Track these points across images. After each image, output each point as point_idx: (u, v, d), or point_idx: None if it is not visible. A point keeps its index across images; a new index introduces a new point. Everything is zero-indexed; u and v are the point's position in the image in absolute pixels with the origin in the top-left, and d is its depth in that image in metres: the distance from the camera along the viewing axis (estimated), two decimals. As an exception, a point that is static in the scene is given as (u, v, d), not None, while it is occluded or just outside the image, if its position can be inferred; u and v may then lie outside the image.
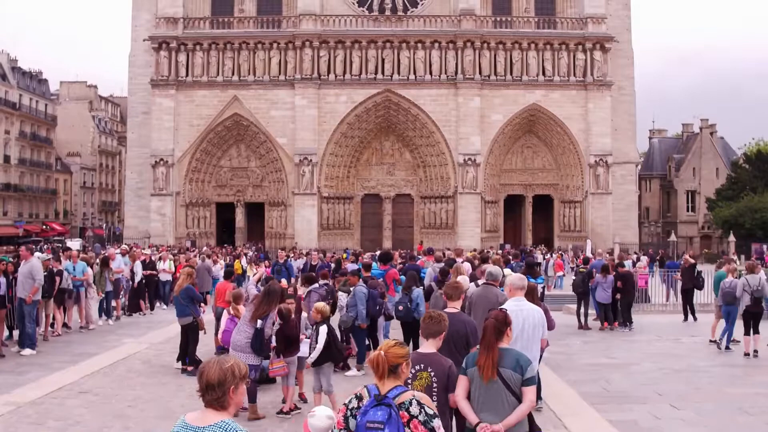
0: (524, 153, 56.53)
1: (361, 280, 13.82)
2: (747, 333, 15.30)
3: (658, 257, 43.15)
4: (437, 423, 4.48)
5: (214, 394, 3.78)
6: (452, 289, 8.03)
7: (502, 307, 7.01)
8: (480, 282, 10.76)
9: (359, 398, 4.59)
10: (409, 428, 4.39)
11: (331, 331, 10.03)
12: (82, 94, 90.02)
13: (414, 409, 4.44)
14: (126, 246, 29.82)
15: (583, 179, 54.49)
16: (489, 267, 10.63)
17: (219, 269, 25.49)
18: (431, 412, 4.48)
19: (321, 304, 10.37)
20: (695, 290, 22.05)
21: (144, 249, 33.97)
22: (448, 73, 53.59)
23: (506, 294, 8.32)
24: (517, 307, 7.42)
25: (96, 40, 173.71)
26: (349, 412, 4.57)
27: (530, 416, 5.98)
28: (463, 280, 10.37)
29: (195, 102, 53.81)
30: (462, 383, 5.74)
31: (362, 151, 56.02)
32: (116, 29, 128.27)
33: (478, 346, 5.97)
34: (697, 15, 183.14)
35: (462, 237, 51.71)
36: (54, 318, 17.73)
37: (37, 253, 18.99)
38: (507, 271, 12.25)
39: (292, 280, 22.06)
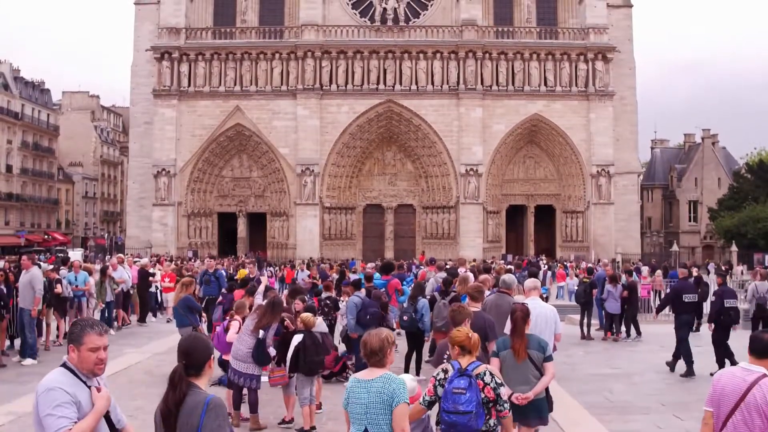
0: (526, 163, 56.53)
1: (364, 290, 13.79)
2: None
3: (660, 268, 42.92)
4: (503, 390, 5.65)
5: (376, 358, 5.15)
6: (476, 291, 9.40)
7: (518, 301, 8.37)
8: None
9: (445, 371, 5.68)
10: (484, 393, 5.53)
11: (304, 342, 9.71)
12: (84, 104, 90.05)
13: (487, 378, 5.59)
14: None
15: (585, 189, 54.46)
16: (504, 276, 11.28)
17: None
18: (499, 381, 5.67)
19: (306, 315, 10.24)
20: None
21: (142, 258, 33.85)
22: (450, 83, 53.66)
23: (524, 295, 9.51)
24: (532, 305, 8.28)
25: (98, 50, 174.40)
26: (437, 382, 5.66)
27: (547, 388, 7.39)
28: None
29: (197, 112, 53.90)
30: (495, 364, 7.00)
31: (364, 161, 56.05)
32: (119, 39, 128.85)
33: (497, 338, 7.71)
34: (699, 25, 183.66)
35: (464, 247, 51.64)
36: (57, 327, 17.70)
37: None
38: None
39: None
